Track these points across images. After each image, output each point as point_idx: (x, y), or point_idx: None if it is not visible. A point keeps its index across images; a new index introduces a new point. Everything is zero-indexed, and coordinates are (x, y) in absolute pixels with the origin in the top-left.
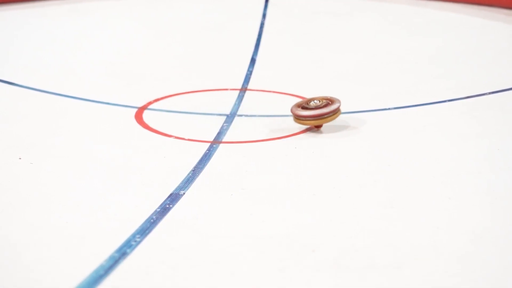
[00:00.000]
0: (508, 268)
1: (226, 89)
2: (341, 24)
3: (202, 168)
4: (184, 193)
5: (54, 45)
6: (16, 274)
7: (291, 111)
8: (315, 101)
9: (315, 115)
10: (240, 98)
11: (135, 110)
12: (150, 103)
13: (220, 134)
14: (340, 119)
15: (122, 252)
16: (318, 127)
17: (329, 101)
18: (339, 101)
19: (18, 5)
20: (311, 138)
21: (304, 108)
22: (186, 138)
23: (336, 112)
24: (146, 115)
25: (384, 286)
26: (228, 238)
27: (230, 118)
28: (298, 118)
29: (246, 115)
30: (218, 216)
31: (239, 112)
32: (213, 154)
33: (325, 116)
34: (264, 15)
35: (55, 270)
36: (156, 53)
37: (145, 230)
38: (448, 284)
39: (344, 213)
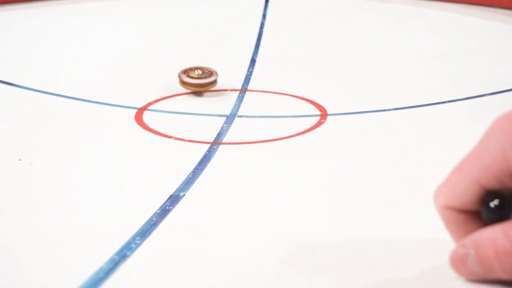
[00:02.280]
0: None
1: (226, 90)
2: (342, 24)
3: (202, 170)
4: (184, 195)
5: (52, 45)
6: (14, 276)
7: (178, 75)
8: (198, 71)
9: (195, 84)
10: (240, 99)
11: (135, 111)
12: (150, 103)
13: (220, 135)
14: (340, 120)
15: (122, 255)
16: (197, 93)
17: (210, 72)
18: (216, 74)
19: (16, 5)
20: (311, 139)
21: (188, 76)
22: (186, 139)
23: (212, 83)
24: (146, 116)
25: (385, 286)
26: (228, 240)
27: (230, 119)
28: (182, 83)
29: (246, 116)
30: (218, 217)
31: (239, 113)
32: (213, 155)
33: (204, 85)
34: (264, 16)
35: (54, 273)
36: (156, 54)
37: (145, 232)
38: (450, 285)
39: (345, 215)
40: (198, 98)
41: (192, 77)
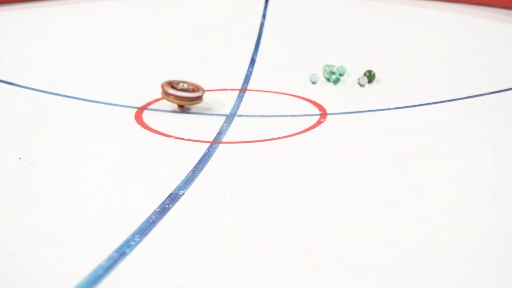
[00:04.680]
0: (510, 268)
1: (226, 89)
2: (342, 24)
3: (201, 168)
4: (183, 193)
5: (53, 44)
6: (14, 274)
7: (162, 86)
8: (184, 84)
9: (180, 96)
10: (240, 98)
11: (135, 110)
12: (150, 103)
13: (220, 134)
14: (340, 119)
15: (122, 252)
16: (180, 107)
17: (196, 88)
18: (203, 91)
19: (15, 5)
20: (310, 138)
21: (173, 87)
22: (186, 138)
23: (197, 99)
24: (146, 115)
25: (385, 286)
26: (228, 238)
27: (229, 118)
28: (165, 94)
29: (246, 115)
30: (217, 216)
31: (238, 112)
32: (212, 154)
33: (188, 99)
34: (264, 16)
35: (54, 270)
36: (156, 53)
37: (144, 230)
38: (449, 284)
39: (344, 213)
40: None
41: (176, 89)
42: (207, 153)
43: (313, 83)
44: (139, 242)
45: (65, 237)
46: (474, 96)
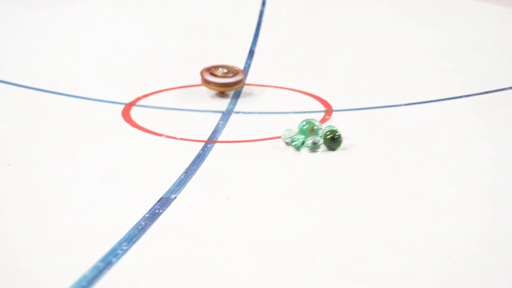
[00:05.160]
0: None
1: None
2: (347, 15)
3: (195, 170)
4: (175, 197)
5: (38, 39)
6: None
7: (200, 73)
8: (223, 69)
9: (221, 83)
10: (237, 94)
11: (122, 106)
12: (138, 99)
13: (215, 132)
14: (346, 116)
15: (107, 262)
16: (221, 93)
17: (236, 71)
18: (243, 74)
19: None
20: None
21: (212, 74)
22: (178, 137)
23: (238, 83)
24: (134, 112)
25: None
26: (224, 246)
27: (226, 115)
28: (205, 82)
29: (244, 112)
30: (212, 222)
31: (236, 109)
32: (207, 154)
33: (230, 85)
34: (263, 3)
35: (33, 281)
36: (146, 45)
37: (132, 237)
38: None
39: (350, 218)
40: (191, 93)
41: (216, 76)
42: (201, 153)
43: (288, 144)
44: (126, 250)
45: (44, 244)
46: (485, 92)
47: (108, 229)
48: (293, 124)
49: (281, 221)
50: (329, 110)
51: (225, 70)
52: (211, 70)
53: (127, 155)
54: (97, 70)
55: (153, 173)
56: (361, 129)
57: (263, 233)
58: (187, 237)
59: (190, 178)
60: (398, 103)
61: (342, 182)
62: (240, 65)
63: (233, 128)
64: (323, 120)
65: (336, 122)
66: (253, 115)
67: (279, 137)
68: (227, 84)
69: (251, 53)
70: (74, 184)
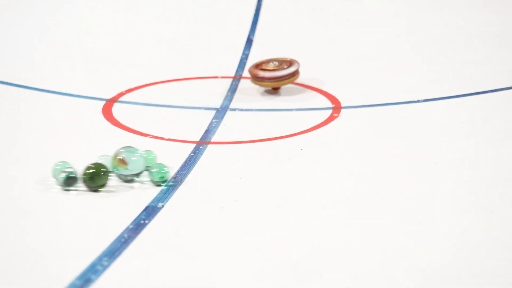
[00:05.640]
0: None
1: (216, 77)
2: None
3: (185, 175)
4: (163, 206)
5: (4, 26)
6: None
7: (249, 71)
8: (274, 62)
9: (276, 77)
10: (233, 88)
11: (103, 102)
12: (121, 94)
13: (208, 132)
14: (357, 114)
15: (86, 279)
16: (275, 89)
17: (288, 62)
18: (298, 64)
19: None
20: (321, 137)
21: (262, 69)
22: (166, 137)
23: (295, 74)
24: (117, 109)
25: None
26: (218, 262)
27: (220, 112)
28: (256, 79)
29: (241, 109)
30: (205, 234)
31: (232, 106)
32: (199, 157)
33: (283, 78)
34: None
35: None
36: (131, 34)
37: (114, 251)
38: None
39: (361, 230)
40: (181, 88)
41: (267, 70)
42: (193, 156)
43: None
44: (107, 266)
45: (16, 260)
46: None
47: (87, 242)
48: (299, 122)
49: (284, 233)
50: (337, 107)
51: (277, 63)
52: (261, 66)
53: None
54: (74, 62)
55: (137, 179)
56: (374, 128)
57: (262, 247)
58: (176, 252)
59: (179, 185)
60: (416, 99)
61: (352, 189)
62: (236, 55)
63: (229, 127)
64: (331, 118)
65: (346, 120)
66: (251, 113)
67: (280, 137)
68: (283, 77)
69: (249, 42)
70: (46, 190)
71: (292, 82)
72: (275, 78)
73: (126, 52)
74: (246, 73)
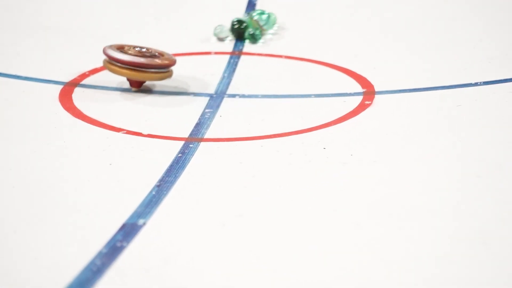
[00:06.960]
0: None
1: (209, 53)
2: None
3: (172, 182)
4: (144, 223)
5: None
6: None
7: (103, 50)
8: (142, 48)
9: (132, 62)
10: (231, 68)
11: (60, 87)
12: (84, 75)
13: (200, 126)
14: (395, 100)
15: None
16: (135, 84)
17: (160, 54)
18: (172, 61)
19: None
20: (349, 132)
21: (122, 52)
22: (145, 133)
23: (159, 69)
24: (78, 95)
25: None
26: None
27: (215, 100)
28: (109, 62)
29: (242, 95)
30: (201, 260)
31: (229, 91)
32: (189, 158)
33: (144, 68)
34: None
35: None
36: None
37: (84, 283)
38: None
39: (399, 255)
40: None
41: (126, 53)
42: (181, 157)
43: (220, 39)
44: None
45: None
46: None
47: (48, 272)
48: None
49: (299, 257)
50: (369, 92)
51: (144, 50)
52: (123, 48)
53: (67, 161)
54: (19, 34)
55: (110, 187)
56: (419, 120)
57: (273, 272)
58: (163, 283)
59: (165, 195)
60: (473, 81)
61: (392, 202)
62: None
63: (226, 119)
64: (362, 107)
65: (381, 109)
66: (255, 100)
67: (296, 132)
68: (139, 65)
69: (251, 4)
70: None
71: (155, 80)
72: (129, 63)
73: (88, 20)
74: (247, 47)
